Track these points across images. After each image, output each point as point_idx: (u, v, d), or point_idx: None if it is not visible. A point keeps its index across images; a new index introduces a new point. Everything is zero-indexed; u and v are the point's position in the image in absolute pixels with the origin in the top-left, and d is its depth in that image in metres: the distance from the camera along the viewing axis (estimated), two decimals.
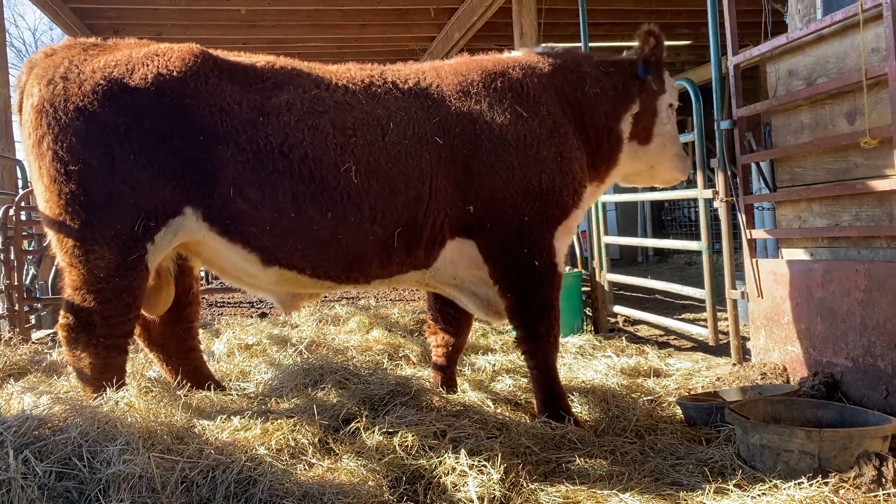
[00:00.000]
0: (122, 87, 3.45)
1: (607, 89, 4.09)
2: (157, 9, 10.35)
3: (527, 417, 3.93)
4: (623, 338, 6.31)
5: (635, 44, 4.20)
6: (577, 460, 3.21)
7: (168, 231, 3.53)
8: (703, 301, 5.76)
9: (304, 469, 2.93)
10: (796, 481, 2.85)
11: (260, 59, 3.78)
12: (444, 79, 3.92)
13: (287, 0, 10.30)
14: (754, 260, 4.85)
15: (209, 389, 3.95)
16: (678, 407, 4.10)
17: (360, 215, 3.60)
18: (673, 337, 6.80)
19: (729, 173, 4.99)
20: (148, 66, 3.51)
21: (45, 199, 3.49)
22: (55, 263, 7.12)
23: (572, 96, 4.03)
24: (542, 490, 2.91)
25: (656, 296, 9.20)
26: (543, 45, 4.36)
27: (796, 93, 4.50)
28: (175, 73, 3.50)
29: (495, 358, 5.42)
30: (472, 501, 2.75)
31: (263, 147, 3.50)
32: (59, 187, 3.41)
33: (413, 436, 3.15)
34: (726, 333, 5.44)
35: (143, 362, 4.92)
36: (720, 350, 5.81)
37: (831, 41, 4.30)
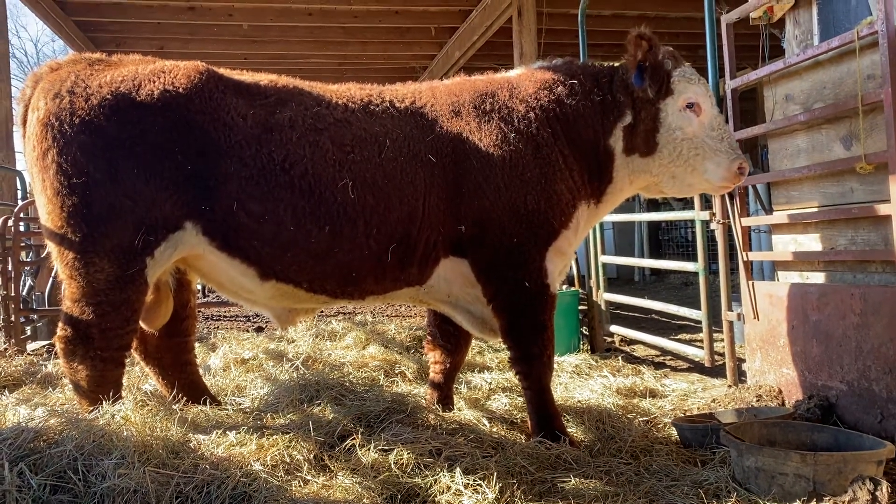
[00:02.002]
0: (128, 103, 3.50)
1: (597, 102, 3.93)
2: (160, 23, 10.44)
3: (522, 437, 3.92)
4: (619, 357, 6.31)
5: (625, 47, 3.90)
6: (572, 481, 3.20)
7: (168, 246, 3.57)
8: (699, 322, 5.77)
9: (300, 485, 2.93)
10: None
11: (263, 77, 3.83)
12: (438, 99, 3.95)
13: (289, 16, 10.39)
14: (750, 282, 4.87)
15: (205, 404, 3.95)
16: (673, 428, 4.10)
17: (355, 230, 3.63)
18: (669, 357, 6.81)
19: (725, 195, 5.02)
20: (154, 82, 3.56)
21: (47, 212, 3.52)
22: (52, 275, 7.14)
23: (560, 113, 3.90)
24: None
25: (653, 316, 9.22)
26: (542, 59, 4.28)
27: (793, 117, 4.54)
28: (181, 90, 3.55)
29: (491, 376, 5.42)
30: None
31: (267, 162, 3.55)
32: (62, 200, 3.45)
33: (408, 454, 3.15)
34: (722, 355, 5.44)
35: (139, 376, 4.91)
36: (716, 371, 5.82)
37: (828, 67, 4.35)
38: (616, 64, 4.09)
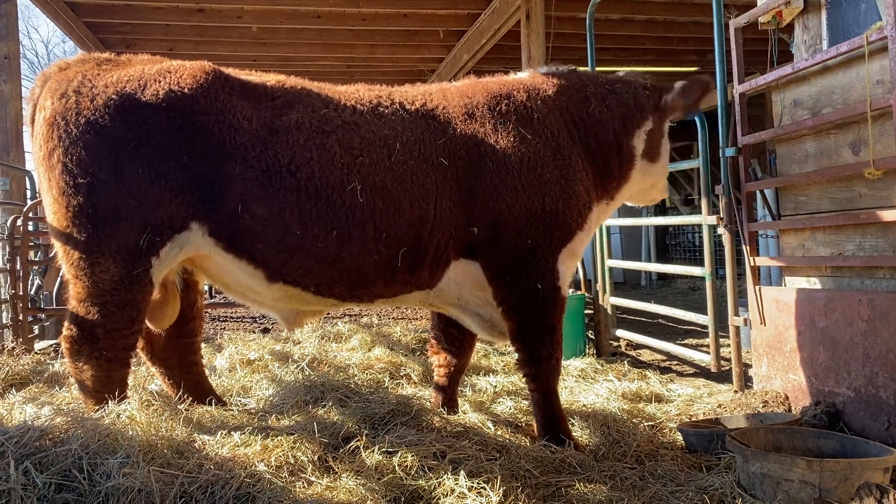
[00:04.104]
0: (133, 103, 3.47)
1: (614, 107, 4.12)
2: (170, 24, 10.47)
3: (527, 440, 3.92)
4: (625, 362, 6.30)
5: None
6: (577, 485, 3.20)
7: (174, 246, 3.55)
8: (705, 327, 5.75)
9: (303, 487, 2.93)
10: None
11: (270, 78, 3.80)
12: (450, 101, 3.94)
13: (298, 19, 10.41)
14: (757, 287, 4.85)
15: (210, 404, 3.95)
16: (679, 433, 4.09)
17: (364, 234, 3.60)
18: (675, 362, 6.79)
19: (733, 200, 5.01)
20: (159, 82, 3.53)
21: (53, 211, 3.52)
22: (60, 274, 7.16)
23: (577, 116, 4.05)
24: None
25: (659, 320, 9.19)
26: (547, 66, 4.37)
27: (801, 122, 4.53)
28: (186, 91, 3.52)
29: (496, 379, 5.41)
30: None
31: (272, 165, 3.51)
32: (68, 200, 3.44)
33: (413, 456, 3.15)
34: (728, 360, 5.42)
35: (145, 375, 4.92)
36: (722, 377, 5.80)
37: (836, 72, 4.34)
38: (622, 72, 4.40)
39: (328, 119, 3.66)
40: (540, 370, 3.86)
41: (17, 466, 2.62)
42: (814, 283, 4.59)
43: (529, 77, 4.20)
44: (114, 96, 3.48)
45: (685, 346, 6.61)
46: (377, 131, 3.70)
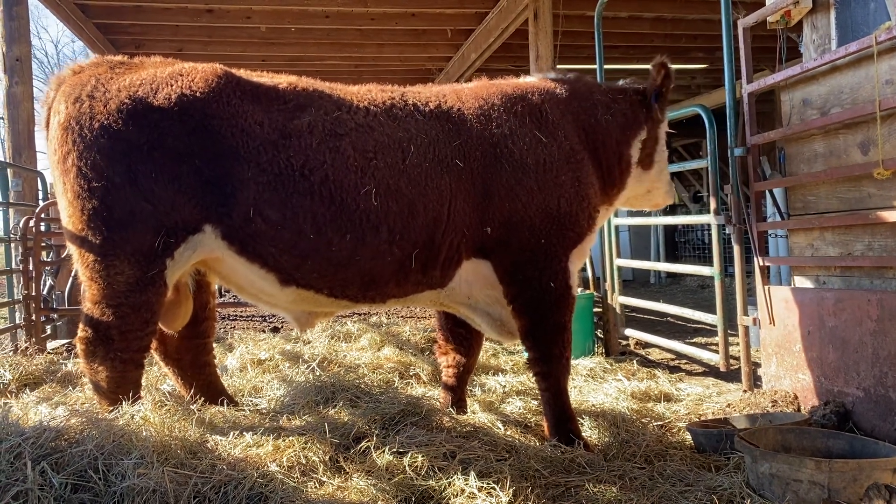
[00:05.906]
0: (145, 107, 3.49)
1: (617, 116, 4.21)
2: (179, 25, 10.52)
3: (536, 440, 3.94)
4: (634, 361, 6.30)
5: (649, 70, 4.33)
6: (586, 485, 3.21)
7: (187, 248, 3.57)
8: (714, 326, 5.75)
9: (315, 487, 2.96)
10: None
11: (283, 80, 3.80)
12: (464, 102, 3.95)
13: (306, 19, 10.44)
14: (767, 287, 4.85)
15: (222, 404, 3.98)
16: (688, 433, 4.10)
17: (378, 237, 3.61)
18: (684, 361, 6.79)
19: (742, 199, 5.01)
20: (172, 85, 3.55)
21: (68, 215, 3.55)
22: (72, 274, 7.23)
23: (586, 122, 4.12)
24: None
25: (668, 319, 9.18)
26: (555, 71, 4.45)
27: (810, 122, 4.52)
28: (198, 94, 3.54)
29: (506, 379, 5.43)
30: None
31: (284, 169, 3.52)
32: (82, 203, 3.47)
33: (423, 456, 3.17)
34: (737, 359, 5.43)
35: (158, 376, 4.96)
36: (731, 376, 5.80)
37: (845, 72, 4.33)
38: (622, 83, 4.47)
39: (341, 122, 3.66)
40: (551, 369, 3.89)
41: (34, 467, 2.66)
42: (823, 282, 4.58)
43: (540, 81, 4.24)
44: (126, 100, 3.50)
45: (694, 345, 6.61)
46: (391, 134, 3.70)
